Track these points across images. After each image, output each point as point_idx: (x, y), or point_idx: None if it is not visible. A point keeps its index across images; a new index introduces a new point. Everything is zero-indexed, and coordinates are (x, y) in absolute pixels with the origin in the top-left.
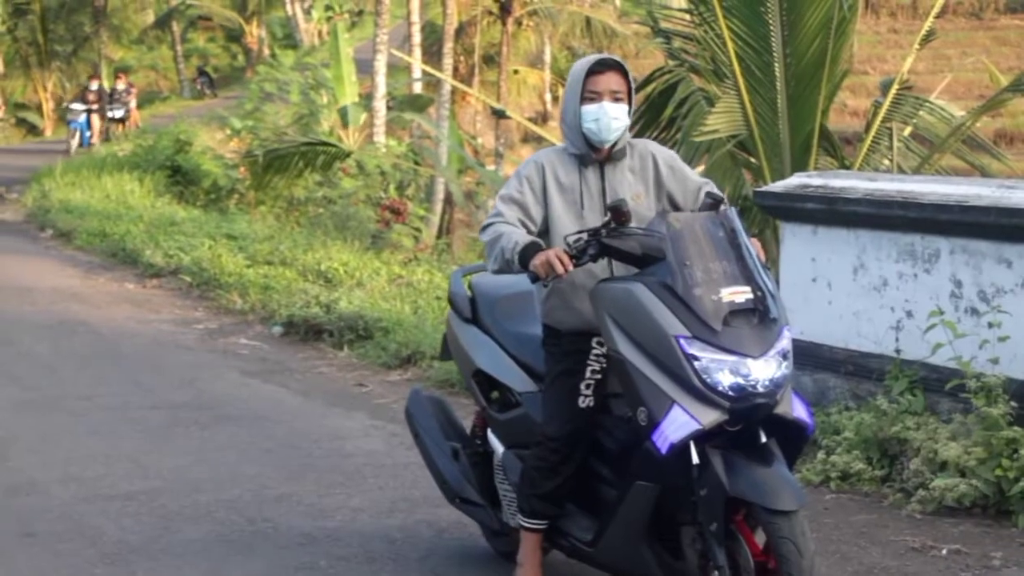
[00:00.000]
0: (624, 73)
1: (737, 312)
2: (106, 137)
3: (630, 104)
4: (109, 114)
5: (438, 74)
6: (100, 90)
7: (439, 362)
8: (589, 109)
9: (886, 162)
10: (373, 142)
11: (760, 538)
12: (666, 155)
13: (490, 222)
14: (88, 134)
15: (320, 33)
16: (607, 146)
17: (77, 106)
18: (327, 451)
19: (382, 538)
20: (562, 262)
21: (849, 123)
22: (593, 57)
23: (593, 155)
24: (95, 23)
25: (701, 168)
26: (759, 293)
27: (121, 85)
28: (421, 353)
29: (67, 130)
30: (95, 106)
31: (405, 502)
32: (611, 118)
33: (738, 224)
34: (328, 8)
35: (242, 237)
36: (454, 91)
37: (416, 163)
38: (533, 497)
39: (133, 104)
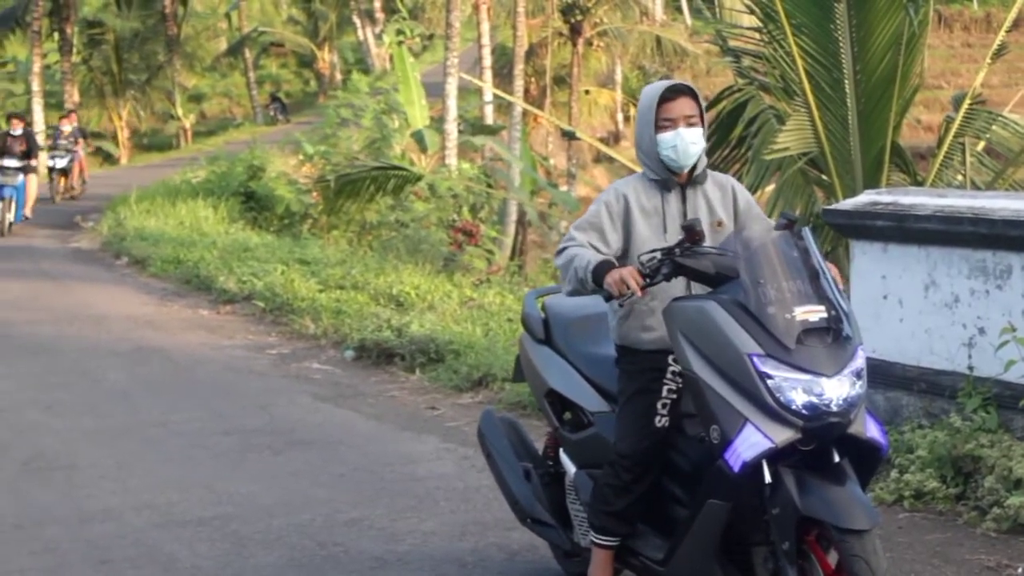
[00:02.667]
0: (695, 96)
1: (811, 331)
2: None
3: (703, 126)
4: (49, 163)
5: (509, 97)
6: (26, 134)
7: (510, 384)
8: (665, 137)
9: (959, 177)
10: (445, 165)
11: (832, 558)
12: (744, 191)
13: (564, 246)
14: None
15: (391, 58)
16: (686, 170)
17: (9, 162)
18: (399, 475)
19: (453, 562)
20: (636, 281)
21: (923, 138)
22: (662, 84)
23: (675, 179)
24: (169, 52)
25: (772, 187)
26: (833, 312)
27: (67, 127)
28: (492, 376)
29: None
30: (32, 162)
31: (476, 525)
32: (688, 143)
33: (812, 243)
34: (399, 32)
35: (314, 262)
36: (525, 113)
37: (489, 185)
38: (604, 514)
39: (81, 152)
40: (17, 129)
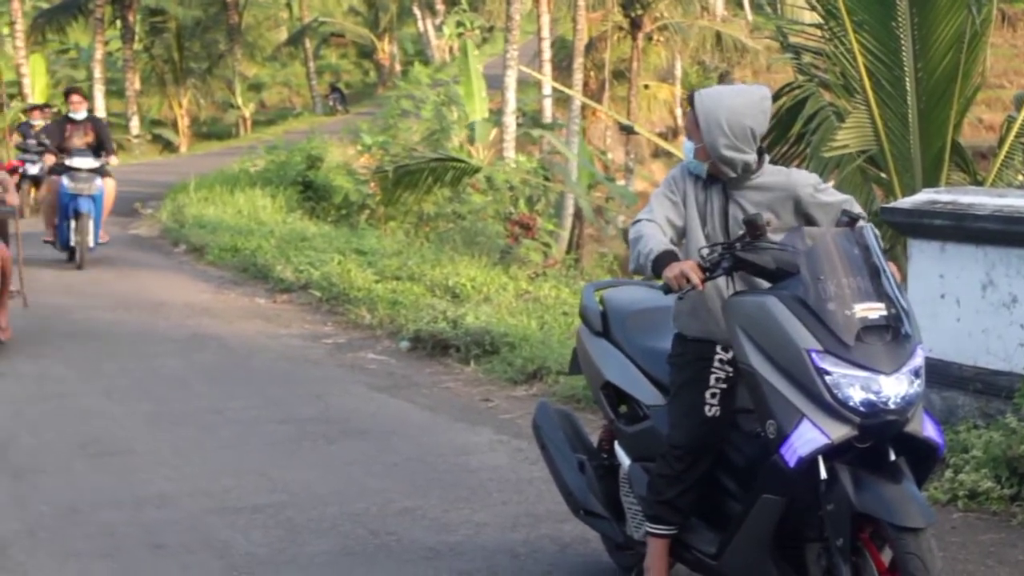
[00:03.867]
0: (694, 109)
1: (870, 328)
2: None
3: (699, 134)
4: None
5: (567, 91)
6: (93, 120)
7: (565, 377)
8: (684, 139)
9: (1020, 178)
10: (503, 157)
11: (886, 556)
12: (808, 183)
13: (638, 219)
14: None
15: (451, 49)
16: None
17: (80, 161)
18: (452, 466)
19: (505, 552)
20: (696, 275)
21: (985, 137)
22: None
23: (714, 179)
24: (230, 41)
25: (831, 183)
26: (893, 310)
27: (38, 121)
28: (547, 368)
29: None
30: (110, 159)
31: (529, 517)
32: (685, 152)
33: (873, 242)
34: (459, 24)
35: (371, 252)
36: (584, 106)
37: (546, 178)
38: (658, 504)
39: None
40: (80, 111)
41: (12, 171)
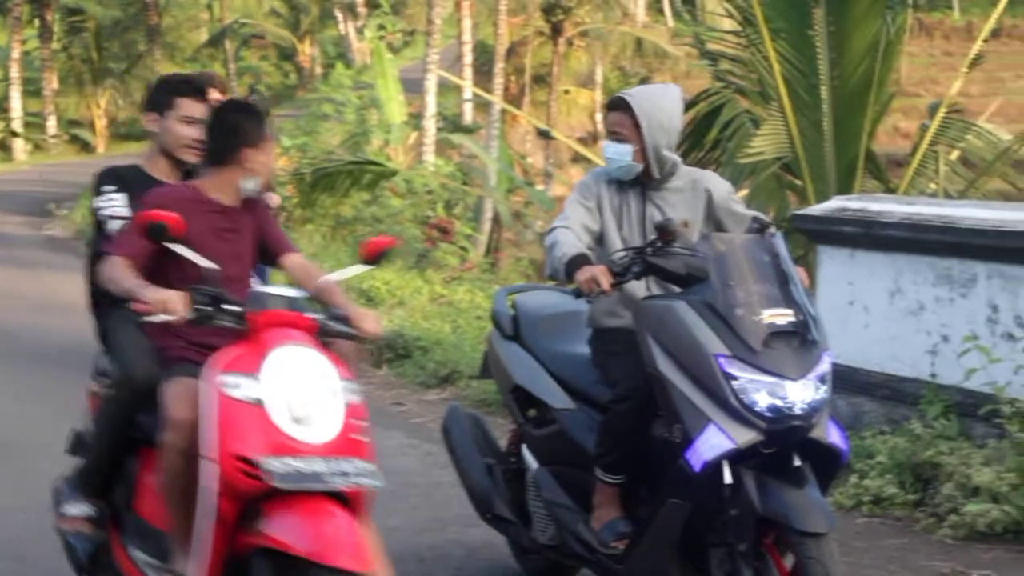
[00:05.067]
0: (632, 112)
1: (778, 334)
2: None
3: (642, 138)
4: None
5: (487, 96)
6: None
7: (477, 381)
8: (604, 144)
9: (932, 185)
10: (422, 161)
11: (789, 561)
12: (722, 187)
13: (554, 226)
14: None
15: (372, 52)
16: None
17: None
18: None
19: (413, 557)
20: (605, 279)
21: (901, 145)
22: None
23: (632, 182)
24: (149, 41)
25: (745, 192)
26: (801, 317)
27: None
28: (459, 372)
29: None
30: None
31: (437, 521)
32: (609, 157)
33: (782, 249)
34: (381, 27)
35: None
36: (504, 111)
37: (464, 183)
38: (608, 455)
39: None
40: None
41: None
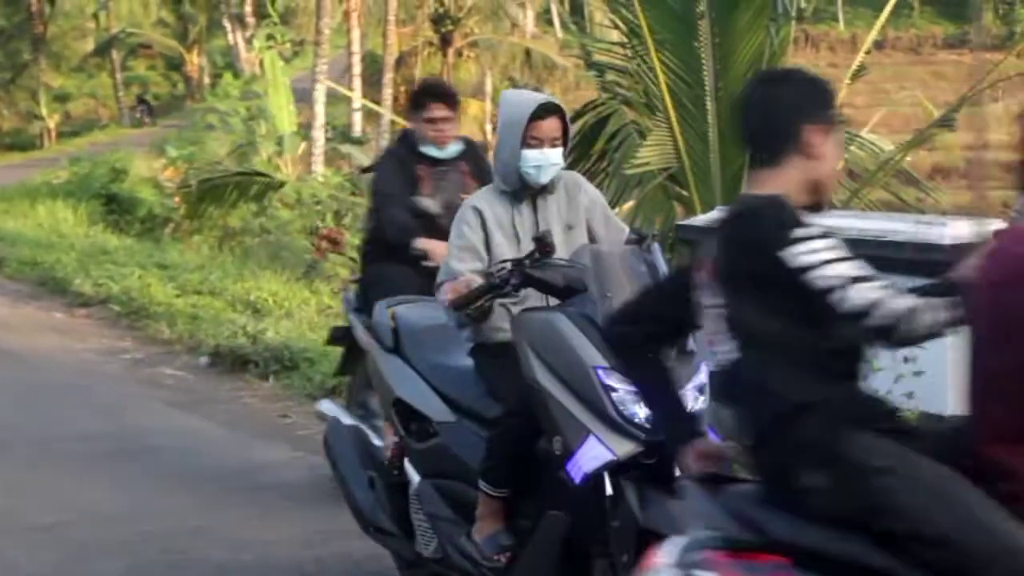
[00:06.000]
0: (564, 117)
1: None
2: None
3: (566, 145)
4: None
5: (375, 107)
6: None
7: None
8: (531, 154)
9: None
10: (311, 172)
11: None
12: (593, 191)
13: (440, 282)
14: None
15: (261, 62)
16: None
17: None
18: (247, 483)
19: (295, 571)
20: (467, 287)
21: None
22: (534, 98)
23: (525, 192)
24: (34, 50)
25: (632, 202)
26: None
27: None
28: (346, 384)
29: None
30: None
31: (321, 534)
32: (551, 164)
33: (660, 259)
34: (270, 37)
35: (173, 267)
36: (394, 121)
37: (354, 193)
38: (493, 468)
39: None
40: None
41: None
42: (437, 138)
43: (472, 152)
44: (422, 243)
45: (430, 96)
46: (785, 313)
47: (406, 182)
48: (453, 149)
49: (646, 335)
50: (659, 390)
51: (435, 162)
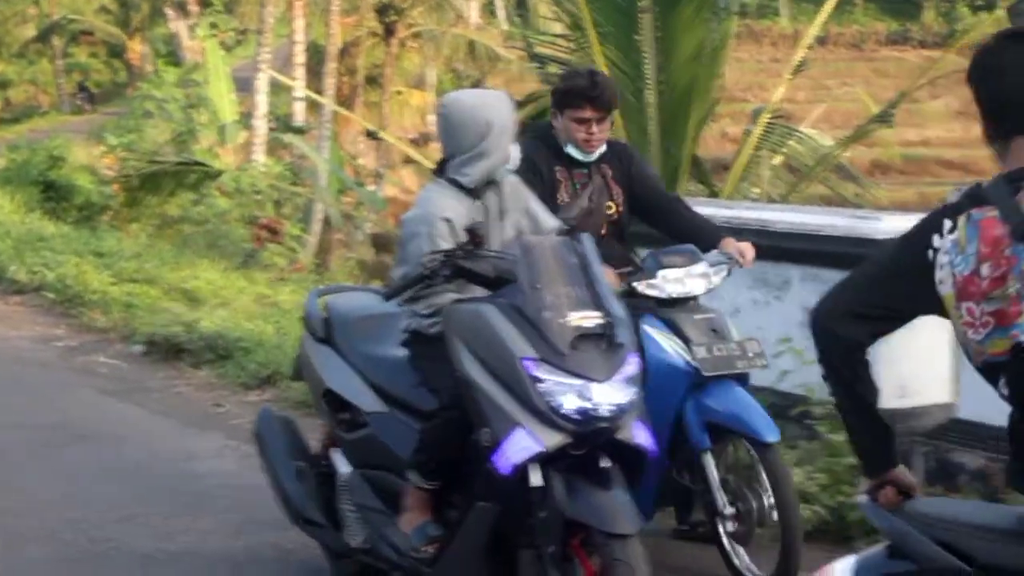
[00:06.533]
0: None
1: (586, 337)
2: None
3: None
4: None
5: (317, 98)
6: None
7: (297, 383)
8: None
9: (756, 190)
10: (252, 161)
11: (596, 562)
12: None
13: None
14: None
15: (204, 51)
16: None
17: None
18: (179, 472)
19: (226, 561)
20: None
21: (729, 150)
22: (508, 99)
23: (486, 187)
24: None
25: None
26: (608, 319)
27: None
28: (280, 374)
29: None
30: None
31: (253, 524)
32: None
33: (590, 251)
34: (213, 26)
35: (110, 254)
36: (336, 111)
37: (295, 183)
38: (427, 461)
39: None
40: None
41: None
42: (588, 142)
43: (619, 153)
44: None
45: (582, 97)
46: None
47: (543, 193)
48: (597, 152)
49: (872, 335)
50: (872, 408)
51: (575, 163)
